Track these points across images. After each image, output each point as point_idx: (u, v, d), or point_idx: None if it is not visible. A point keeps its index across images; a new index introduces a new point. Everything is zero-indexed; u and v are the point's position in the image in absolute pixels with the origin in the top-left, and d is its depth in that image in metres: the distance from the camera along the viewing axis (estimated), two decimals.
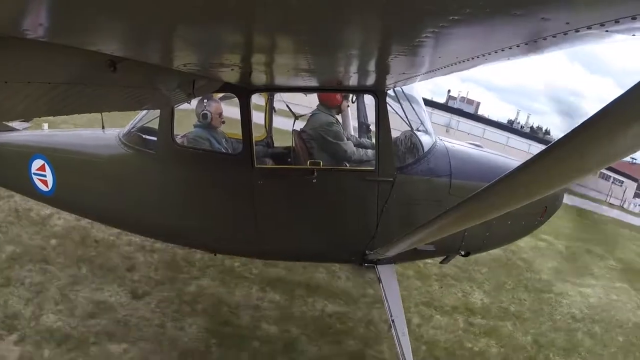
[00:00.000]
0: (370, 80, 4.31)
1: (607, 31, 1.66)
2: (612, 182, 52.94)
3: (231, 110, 5.52)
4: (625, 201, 45.62)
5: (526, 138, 59.76)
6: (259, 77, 4.16)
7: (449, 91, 76.06)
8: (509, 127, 66.85)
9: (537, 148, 51.84)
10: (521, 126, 78.69)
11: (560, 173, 2.48)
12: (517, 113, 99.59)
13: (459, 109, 62.54)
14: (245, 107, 4.97)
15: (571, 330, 8.47)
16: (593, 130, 2.04)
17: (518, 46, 2.13)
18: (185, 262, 7.67)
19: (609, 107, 1.90)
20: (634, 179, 60.38)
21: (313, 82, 4.63)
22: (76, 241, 7.76)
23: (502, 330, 7.79)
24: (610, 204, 39.12)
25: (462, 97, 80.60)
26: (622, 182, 56.62)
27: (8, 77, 2.09)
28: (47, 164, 5.62)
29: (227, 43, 2.42)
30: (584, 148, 2.15)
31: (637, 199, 57.11)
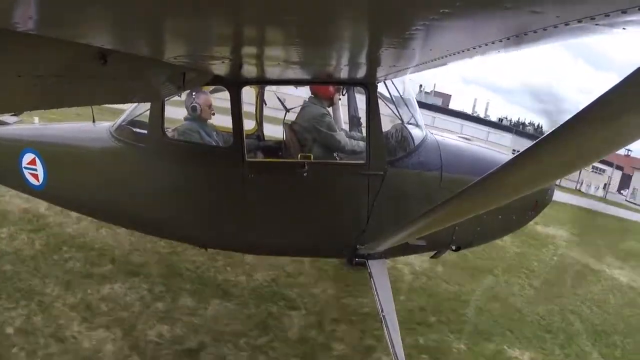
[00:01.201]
0: (361, 72, 4.30)
1: (597, 25, 1.66)
2: None
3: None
4: (582, 183, 44.66)
5: (484, 125, 60.02)
6: (249, 69, 4.16)
7: (420, 86, 76.76)
8: (466, 115, 67.36)
9: (495, 135, 51.25)
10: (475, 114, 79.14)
11: (551, 167, 2.49)
12: (475, 101, 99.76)
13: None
14: (236, 100, 4.95)
15: None
16: (584, 123, 2.04)
17: (509, 39, 2.14)
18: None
19: (599, 100, 1.90)
20: (619, 168, 60.37)
21: (303, 75, 4.64)
22: None
23: None
24: (561, 186, 38.20)
25: (432, 90, 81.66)
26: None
27: None
28: (38, 157, 5.58)
29: (218, 35, 2.42)
30: (575, 141, 2.15)
31: (625, 189, 57.01)
